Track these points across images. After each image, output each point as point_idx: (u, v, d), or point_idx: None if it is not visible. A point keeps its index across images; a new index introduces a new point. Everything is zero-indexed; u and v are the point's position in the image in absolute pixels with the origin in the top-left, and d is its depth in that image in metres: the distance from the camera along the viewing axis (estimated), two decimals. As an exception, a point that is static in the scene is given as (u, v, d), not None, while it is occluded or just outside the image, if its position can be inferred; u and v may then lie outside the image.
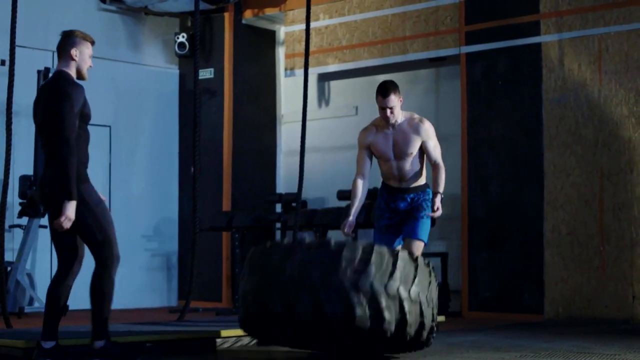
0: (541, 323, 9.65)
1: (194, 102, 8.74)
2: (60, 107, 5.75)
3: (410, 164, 7.10)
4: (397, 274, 5.70)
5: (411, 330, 5.80)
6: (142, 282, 12.31)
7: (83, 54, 5.99)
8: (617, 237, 9.57)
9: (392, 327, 5.69)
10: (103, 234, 6.02)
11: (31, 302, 10.65)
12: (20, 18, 11.12)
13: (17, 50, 11.00)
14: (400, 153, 7.06)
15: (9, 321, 7.98)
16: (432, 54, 10.91)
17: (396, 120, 7.01)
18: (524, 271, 10.07)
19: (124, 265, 11.88)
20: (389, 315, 5.66)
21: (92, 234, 5.98)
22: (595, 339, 7.83)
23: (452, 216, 11.00)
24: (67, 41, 5.98)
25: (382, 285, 5.63)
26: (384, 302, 5.63)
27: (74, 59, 5.94)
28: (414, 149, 7.06)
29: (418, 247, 7.07)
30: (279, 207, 12.40)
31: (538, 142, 10.02)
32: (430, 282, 5.99)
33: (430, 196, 7.24)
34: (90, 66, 6.05)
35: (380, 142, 7.09)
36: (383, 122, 7.09)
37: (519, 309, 10.07)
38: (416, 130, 7.02)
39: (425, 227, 7.13)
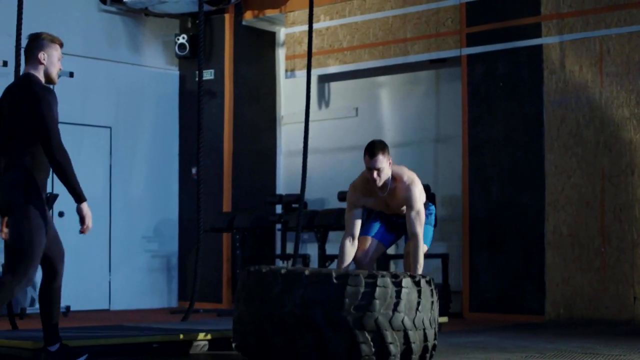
0: (542, 324, 9.68)
1: (198, 104, 8.76)
2: (42, 113, 5.52)
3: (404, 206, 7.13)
4: (402, 304, 5.62)
5: (415, 357, 5.76)
6: (142, 283, 12.31)
7: (51, 57, 5.69)
8: (618, 239, 9.61)
9: (394, 352, 5.65)
10: (28, 249, 5.54)
11: (32, 303, 10.66)
12: (23, 20, 11.16)
13: (21, 52, 11.08)
14: (394, 207, 7.05)
15: (14, 322, 7.97)
16: (433, 55, 10.94)
17: (385, 183, 6.88)
18: (525, 272, 10.11)
19: (125, 266, 12.06)
20: (395, 349, 5.60)
21: (19, 242, 5.55)
22: (598, 340, 7.87)
23: (453, 217, 11.05)
24: (34, 44, 5.69)
25: (386, 320, 5.56)
26: (389, 336, 5.56)
27: (42, 63, 5.66)
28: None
29: (418, 214, 6.93)
30: (279, 208, 12.43)
31: (539, 143, 10.06)
32: (432, 302, 5.91)
33: (432, 210, 7.25)
34: (60, 69, 5.80)
35: (373, 204, 7.06)
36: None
37: (520, 310, 10.10)
38: (404, 197, 6.89)
39: (427, 233, 7.09)
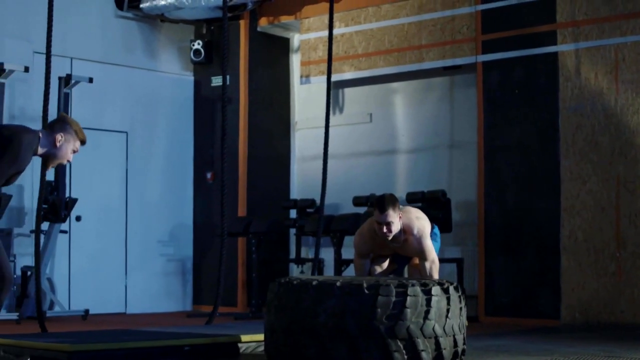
0: (558, 328, 9.79)
1: (222, 110, 8.91)
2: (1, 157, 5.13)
3: None
4: (432, 312, 5.70)
5: (445, 354, 5.88)
6: (157, 287, 12.42)
7: (66, 146, 5.42)
8: (633, 244, 9.73)
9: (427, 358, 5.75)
10: None
11: (51, 306, 10.76)
12: (38, 24, 11.27)
13: (36, 56, 11.22)
14: (403, 254, 7.21)
15: (44, 325, 8.05)
16: (448, 62, 11.06)
17: (395, 236, 6.94)
18: (541, 277, 10.22)
19: (141, 270, 12.15)
20: (427, 356, 5.70)
21: None
22: (617, 344, 7.97)
23: (467, 222, 11.16)
24: (60, 124, 5.44)
25: (418, 328, 5.65)
26: (421, 344, 5.65)
27: (54, 145, 5.39)
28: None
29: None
30: (292, 213, 12.53)
31: (555, 149, 10.17)
32: (460, 308, 6.00)
33: (436, 231, 7.43)
34: (69, 161, 5.49)
35: (380, 250, 7.16)
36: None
37: (535, 314, 10.21)
38: (415, 250, 7.03)
39: (432, 246, 7.15)
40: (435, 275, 6.95)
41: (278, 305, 5.96)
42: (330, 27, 9.55)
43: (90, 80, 10.91)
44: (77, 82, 10.81)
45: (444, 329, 5.77)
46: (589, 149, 10.00)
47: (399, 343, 5.60)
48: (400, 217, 6.87)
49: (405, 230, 6.94)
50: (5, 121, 10.54)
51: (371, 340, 5.60)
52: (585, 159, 10.01)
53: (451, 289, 5.91)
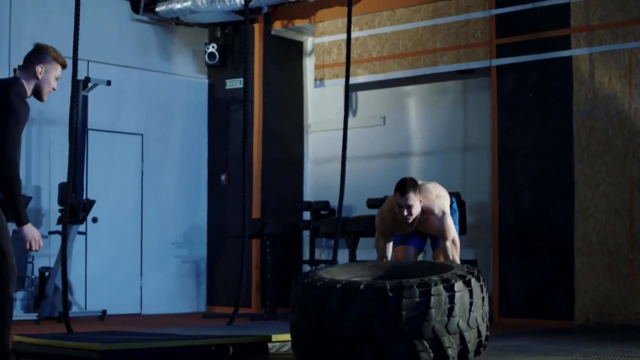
0: (572, 329, 9.89)
1: (244, 113, 9.01)
2: (6, 123, 5.14)
3: None
4: (456, 309, 5.72)
5: (471, 354, 5.93)
6: (172, 288, 12.52)
7: (48, 74, 5.38)
8: (646, 246, 9.86)
9: (453, 355, 5.79)
10: None
11: (69, 306, 10.84)
12: (55, 28, 11.42)
13: (54, 59, 11.28)
14: (425, 233, 7.27)
15: (69, 325, 8.14)
16: (463, 66, 11.17)
17: (414, 219, 6.96)
18: (554, 278, 10.33)
19: (156, 271, 12.26)
20: (452, 352, 5.75)
21: None
22: (634, 345, 8.04)
23: (480, 224, 11.27)
24: (37, 55, 5.40)
25: (443, 326, 5.68)
26: (446, 342, 5.70)
27: (37, 77, 5.36)
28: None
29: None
30: (306, 215, 12.65)
31: (569, 152, 10.28)
32: (483, 297, 6.03)
33: (455, 207, 7.49)
34: (54, 89, 5.46)
35: (401, 230, 7.15)
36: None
37: (549, 315, 10.32)
38: (436, 229, 7.08)
39: (452, 225, 7.19)
40: (456, 254, 7.06)
41: (303, 307, 6.02)
42: (349, 31, 9.66)
43: (108, 83, 11.02)
44: (95, 85, 10.91)
45: (467, 323, 5.82)
46: (603, 152, 10.11)
47: (425, 343, 5.66)
48: (420, 200, 6.88)
49: (426, 211, 6.97)
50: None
51: (397, 342, 5.66)
52: (599, 161, 10.12)
53: (473, 281, 5.91)
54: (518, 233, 10.62)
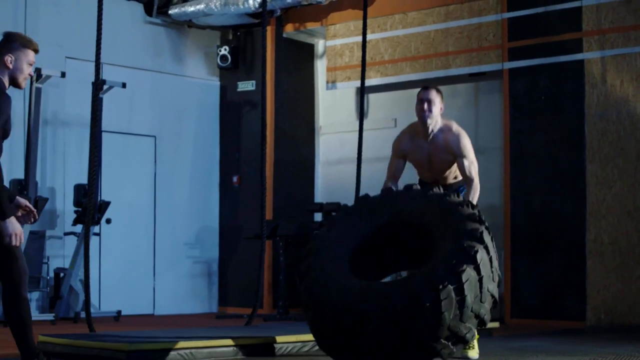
0: (585, 330, 9.99)
1: (262, 115, 9.09)
2: None
3: (448, 171, 6.98)
4: (468, 299, 5.57)
5: (487, 318, 5.79)
6: (185, 289, 12.61)
7: (19, 62, 5.30)
8: (658, 247, 9.96)
9: (472, 335, 5.74)
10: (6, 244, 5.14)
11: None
12: (71, 30, 11.53)
13: (68, 61, 11.42)
14: (437, 165, 6.91)
15: (91, 325, 8.22)
16: (475, 69, 11.26)
17: (432, 131, 6.78)
18: (566, 279, 10.43)
19: (169, 272, 12.34)
20: (471, 334, 5.71)
21: None
22: (650, 345, 8.19)
23: (491, 226, 11.27)
24: (4, 45, 5.32)
25: (458, 322, 5.57)
26: (463, 330, 5.63)
27: (7, 67, 5.28)
28: (450, 164, 6.91)
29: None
30: (317, 216, 12.74)
31: (580, 155, 10.38)
32: (490, 259, 5.74)
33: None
34: (30, 75, 5.43)
35: (416, 153, 6.92)
36: (418, 129, 6.87)
37: (561, 315, 10.41)
38: (452, 146, 6.79)
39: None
40: (474, 175, 6.77)
41: (322, 311, 5.78)
42: (364, 33, 9.76)
43: (124, 85, 11.11)
44: (110, 87, 10.99)
45: (480, 302, 5.64)
46: (615, 155, 10.21)
47: (443, 341, 5.60)
48: (441, 110, 6.77)
49: (444, 130, 6.80)
50: (40, 126, 10.73)
51: (417, 349, 5.59)
52: (611, 164, 10.22)
53: (480, 251, 5.62)
54: (530, 234, 10.72)
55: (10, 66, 5.29)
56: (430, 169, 6.98)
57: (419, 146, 6.89)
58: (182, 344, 6.73)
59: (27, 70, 5.35)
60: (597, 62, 10.33)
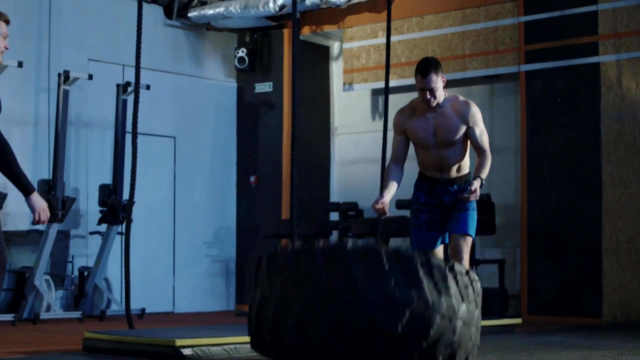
0: (601, 326, 10.25)
1: (292, 117, 9.27)
2: None
3: (453, 152, 6.29)
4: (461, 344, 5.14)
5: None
6: (203, 287, 12.81)
7: None
8: (672, 246, 10.23)
9: None
10: None
11: (108, 304, 11.13)
12: (92, 33, 11.73)
13: (91, 64, 11.60)
14: (443, 140, 6.24)
15: (131, 322, 8.39)
16: (491, 71, 11.50)
17: (438, 103, 6.21)
18: (582, 277, 10.68)
19: (188, 271, 12.54)
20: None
21: None
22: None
23: (507, 225, 11.60)
24: None
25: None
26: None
27: None
28: (459, 136, 6.25)
29: (467, 242, 6.30)
30: (332, 215, 12.97)
31: (596, 155, 10.63)
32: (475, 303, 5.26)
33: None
34: (6, 48, 4.99)
35: (419, 127, 6.29)
36: (422, 104, 6.26)
37: (577, 312, 10.67)
38: (461, 115, 6.23)
39: (473, 221, 6.35)
40: (486, 145, 6.27)
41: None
42: (388, 35, 9.96)
43: (148, 87, 11.28)
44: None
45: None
46: (630, 156, 10.46)
47: None
48: (444, 82, 6.21)
49: (450, 99, 6.27)
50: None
51: None
52: (627, 164, 10.47)
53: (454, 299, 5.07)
54: (546, 233, 10.96)
55: None
56: (435, 147, 6.27)
57: (424, 119, 6.28)
58: (227, 339, 6.94)
59: (3, 44, 4.96)
60: (613, 65, 10.58)
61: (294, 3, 9.12)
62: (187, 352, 6.69)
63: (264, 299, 5.20)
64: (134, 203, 11.12)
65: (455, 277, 5.08)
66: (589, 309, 10.60)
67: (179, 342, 6.66)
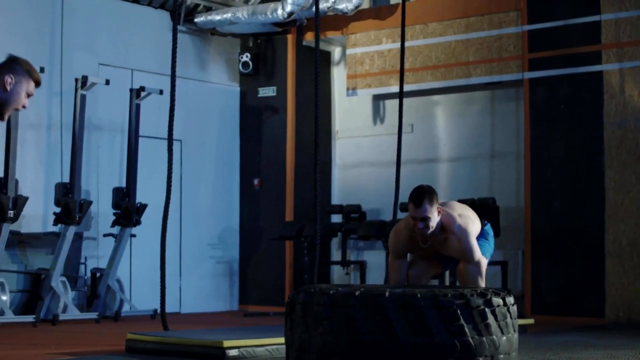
0: (605, 326, 10.58)
1: (315, 121, 9.42)
2: None
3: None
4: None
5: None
6: (208, 288, 13.01)
7: (18, 88, 4.54)
8: (674, 249, 10.62)
9: None
10: None
11: (121, 305, 11.28)
12: (102, 38, 11.88)
13: (101, 68, 11.76)
14: (446, 254, 6.45)
15: (166, 324, 8.57)
16: (495, 78, 11.81)
17: (431, 233, 6.19)
18: (585, 278, 11.04)
19: (193, 272, 12.74)
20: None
21: None
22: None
23: (509, 228, 11.91)
24: (8, 65, 4.57)
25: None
26: None
27: (5, 89, 4.51)
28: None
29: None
30: (334, 217, 13.23)
31: (599, 161, 10.98)
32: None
33: (488, 229, 6.72)
34: (24, 107, 4.58)
35: (419, 251, 6.48)
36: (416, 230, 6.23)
37: (580, 312, 11.02)
38: (458, 250, 6.27)
39: (481, 247, 6.43)
40: (481, 281, 6.24)
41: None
42: (402, 41, 10.20)
43: (161, 92, 11.47)
44: (148, 94, 11.37)
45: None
46: (632, 161, 10.83)
47: None
48: (439, 212, 6.13)
49: (445, 228, 6.19)
50: (77, 131, 11.06)
51: None
52: (629, 170, 10.83)
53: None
54: (550, 236, 11.31)
55: (9, 88, 4.53)
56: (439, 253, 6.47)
57: (420, 248, 6.37)
58: (270, 340, 7.14)
59: (21, 102, 4.56)
60: (616, 73, 10.93)
61: (316, 10, 9.30)
62: (233, 353, 6.88)
63: (305, 345, 5.23)
64: (145, 206, 11.39)
65: (494, 312, 5.03)
66: (592, 309, 10.95)
67: (226, 344, 6.86)
